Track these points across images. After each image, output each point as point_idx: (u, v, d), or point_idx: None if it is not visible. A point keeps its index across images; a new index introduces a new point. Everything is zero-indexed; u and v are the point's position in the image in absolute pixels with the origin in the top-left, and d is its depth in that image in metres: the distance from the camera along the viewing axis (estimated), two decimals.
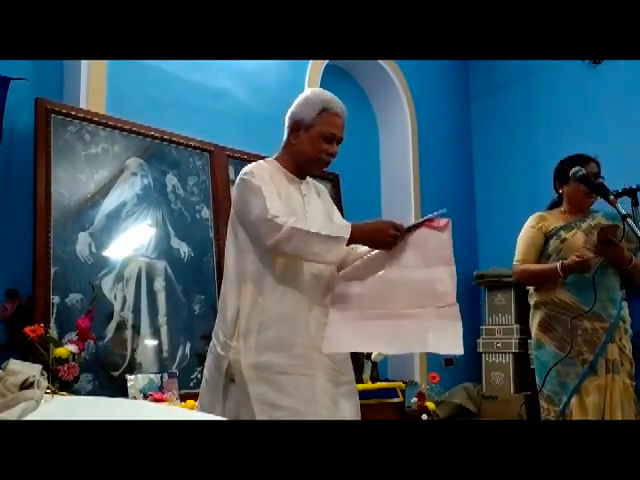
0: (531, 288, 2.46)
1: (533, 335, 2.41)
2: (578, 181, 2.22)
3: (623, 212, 1.92)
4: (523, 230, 2.47)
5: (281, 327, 1.63)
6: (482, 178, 4.99)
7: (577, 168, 2.19)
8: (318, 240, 1.57)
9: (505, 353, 4.27)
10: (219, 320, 1.73)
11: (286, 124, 1.81)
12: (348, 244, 1.61)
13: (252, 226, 1.65)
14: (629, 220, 1.90)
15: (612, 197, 2.02)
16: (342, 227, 1.64)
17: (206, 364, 1.75)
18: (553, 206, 2.50)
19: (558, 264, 2.24)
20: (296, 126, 1.77)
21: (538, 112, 4.62)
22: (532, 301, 2.43)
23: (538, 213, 2.47)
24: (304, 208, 1.77)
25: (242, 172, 1.74)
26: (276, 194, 1.68)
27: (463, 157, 4.99)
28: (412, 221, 1.74)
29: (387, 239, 1.62)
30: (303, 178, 1.83)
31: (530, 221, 2.45)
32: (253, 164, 1.77)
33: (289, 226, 1.56)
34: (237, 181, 1.75)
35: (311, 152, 1.75)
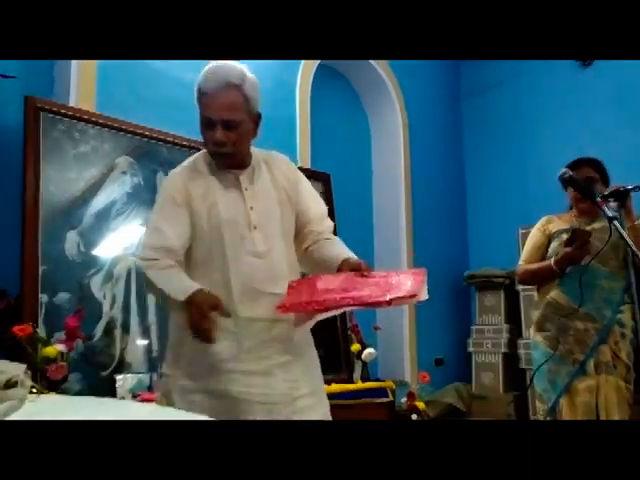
0: (535, 288, 2.50)
1: (530, 335, 2.45)
2: (565, 183, 2.23)
3: (610, 214, 1.92)
4: (531, 232, 2.50)
5: (210, 354, 1.47)
6: (473, 178, 5.01)
7: (563, 170, 2.19)
8: (159, 293, 1.46)
9: (495, 353, 4.29)
10: None
11: None
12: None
13: None
14: (616, 222, 1.90)
15: (599, 199, 2.02)
16: (183, 290, 1.39)
17: None
18: (571, 207, 2.51)
19: (552, 260, 2.26)
20: None
21: (528, 112, 4.64)
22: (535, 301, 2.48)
23: (547, 216, 2.49)
24: (245, 206, 1.54)
25: (167, 176, 1.63)
26: (173, 215, 1.50)
27: (454, 157, 5.01)
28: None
29: (202, 327, 1.32)
30: (243, 167, 1.58)
31: (537, 223, 2.50)
32: (178, 167, 1.62)
33: (145, 273, 1.48)
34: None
35: (205, 144, 1.56)
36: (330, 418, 1.62)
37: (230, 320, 1.46)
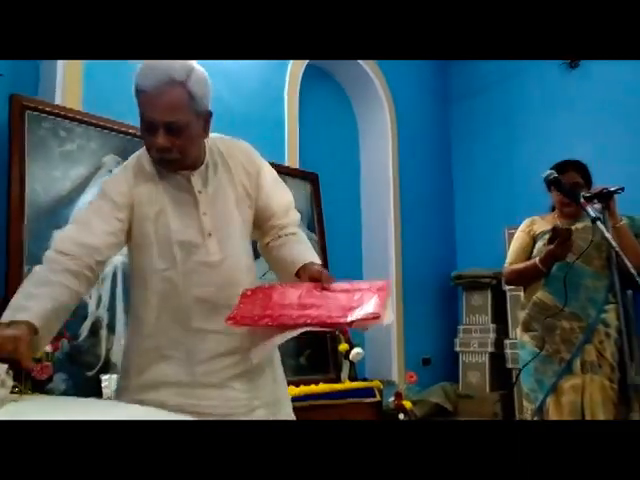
0: (522, 289, 2.52)
1: (517, 335, 2.47)
2: (550, 185, 2.25)
3: (593, 215, 1.94)
4: (515, 234, 2.53)
5: (162, 367, 1.39)
6: (461, 179, 5.04)
7: (548, 172, 2.21)
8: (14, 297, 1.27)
9: (482, 352, 4.32)
10: None
11: None
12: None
13: None
14: (599, 223, 1.92)
15: (582, 200, 2.04)
16: (9, 312, 1.21)
17: None
18: (553, 209, 2.53)
19: (537, 258, 2.28)
20: None
21: (516, 114, 4.68)
22: (521, 301, 2.50)
23: (530, 217, 2.52)
24: (198, 212, 1.42)
25: (110, 175, 1.49)
26: (108, 217, 1.36)
27: (442, 158, 5.03)
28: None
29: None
30: (194, 167, 1.43)
31: (521, 225, 2.53)
32: (122, 167, 1.48)
33: (36, 267, 1.31)
34: None
35: (146, 149, 1.39)
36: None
37: (181, 332, 1.40)
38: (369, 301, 1.26)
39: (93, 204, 1.42)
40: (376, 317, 1.22)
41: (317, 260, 1.45)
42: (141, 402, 1.34)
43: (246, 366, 1.43)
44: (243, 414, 1.41)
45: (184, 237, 1.40)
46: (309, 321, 1.24)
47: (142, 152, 1.46)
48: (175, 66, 1.30)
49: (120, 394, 1.47)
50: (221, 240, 1.42)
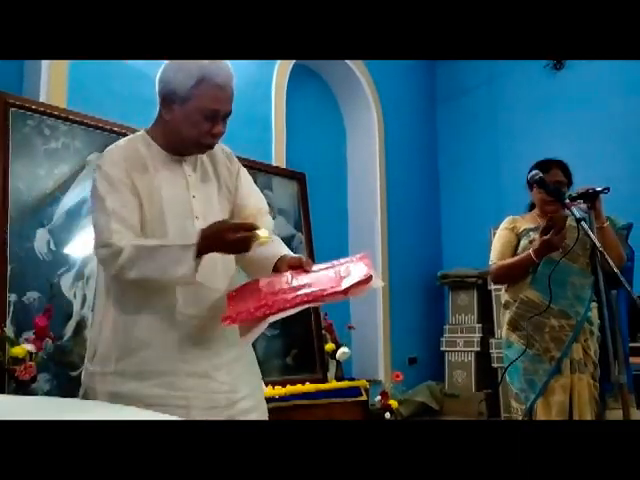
0: (502, 288, 2.49)
1: (503, 334, 2.42)
2: (535, 184, 2.26)
3: (577, 216, 1.95)
4: (497, 232, 2.50)
5: (145, 353, 1.38)
6: (447, 179, 5.07)
7: (534, 172, 2.21)
8: (163, 252, 1.31)
9: (467, 352, 4.35)
10: None
11: (157, 93, 1.46)
12: (200, 252, 1.30)
13: (94, 242, 1.41)
14: (583, 224, 1.93)
15: (567, 201, 2.05)
16: (183, 244, 1.32)
17: None
18: (531, 208, 2.53)
19: (530, 250, 2.25)
20: (168, 98, 1.41)
21: (502, 115, 4.72)
22: (503, 300, 2.46)
23: (511, 216, 2.51)
24: (188, 194, 1.47)
25: (101, 157, 1.46)
26: (128, 198, 1.38)
27: (428, 158, 5.06)
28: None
29: (237, 238, 1.29)
30: (187, 154, 1.51)
31: (503, 223, 2.49)
32: (113, 146, 1.47)
33: (129, 245, 1.32)
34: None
35: (188, 132, 1.43)
36: (267, 418, 1.56)
37: (166, 319, 1.39)
38: (357, 268, 1.31)
39: (112, 189, 1.38)
40: (368, 279, 1.26)
41: (291, 254, 1.47)
42: (120, 394, 1.34)
43: (228, 356, 1.46)
44: (225, 407, 1.42)
45: (177, 219, 1.43)
46: (306, 299, 1.26)
47: (136, 137, 1.51)
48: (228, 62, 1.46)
49: (94, 380, 1.41)
50: (207, 225, 1.41)
